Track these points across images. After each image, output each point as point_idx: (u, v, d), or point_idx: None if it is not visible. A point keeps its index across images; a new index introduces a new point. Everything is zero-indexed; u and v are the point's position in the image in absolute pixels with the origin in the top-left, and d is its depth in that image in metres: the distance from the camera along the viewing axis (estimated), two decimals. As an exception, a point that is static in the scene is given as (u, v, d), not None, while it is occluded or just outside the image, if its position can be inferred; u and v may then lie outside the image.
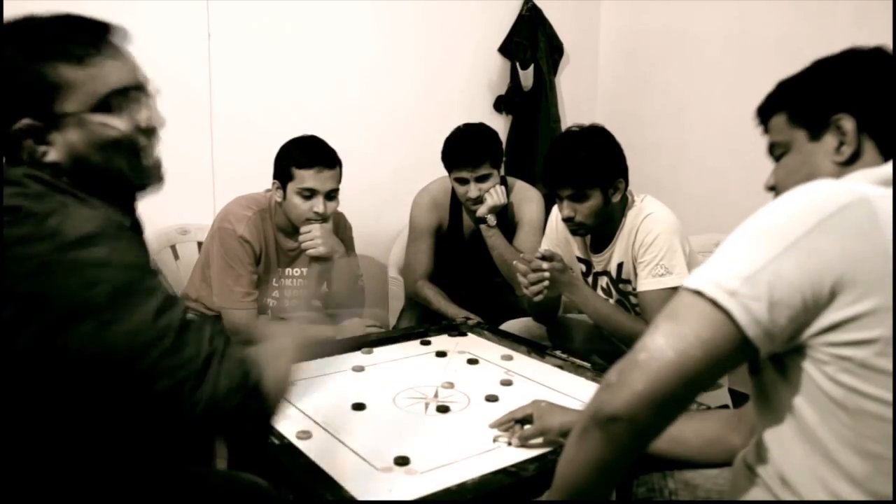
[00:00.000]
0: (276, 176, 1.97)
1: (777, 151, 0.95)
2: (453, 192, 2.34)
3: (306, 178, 1.90)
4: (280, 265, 2.05)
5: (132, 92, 0.90)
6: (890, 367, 0.71)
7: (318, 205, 1.92)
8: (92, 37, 0.87)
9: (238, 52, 2.48)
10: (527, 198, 2.38)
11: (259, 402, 0.86)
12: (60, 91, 0.84)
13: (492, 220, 2.24)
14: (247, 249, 1.94)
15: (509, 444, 1.25)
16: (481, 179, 2.22)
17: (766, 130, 0.97)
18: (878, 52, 0.89)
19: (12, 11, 0.88)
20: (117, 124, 0.88)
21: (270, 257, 2.02)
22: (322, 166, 1.91)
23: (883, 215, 0.73)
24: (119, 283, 0.79)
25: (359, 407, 1.41)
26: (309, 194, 1.92)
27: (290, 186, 1.93)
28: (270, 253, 2.02)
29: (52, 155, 0.86)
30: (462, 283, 2.42)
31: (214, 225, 2.00)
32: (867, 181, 0.79)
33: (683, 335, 0.73)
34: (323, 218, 1.96)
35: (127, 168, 0.91)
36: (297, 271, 2.08)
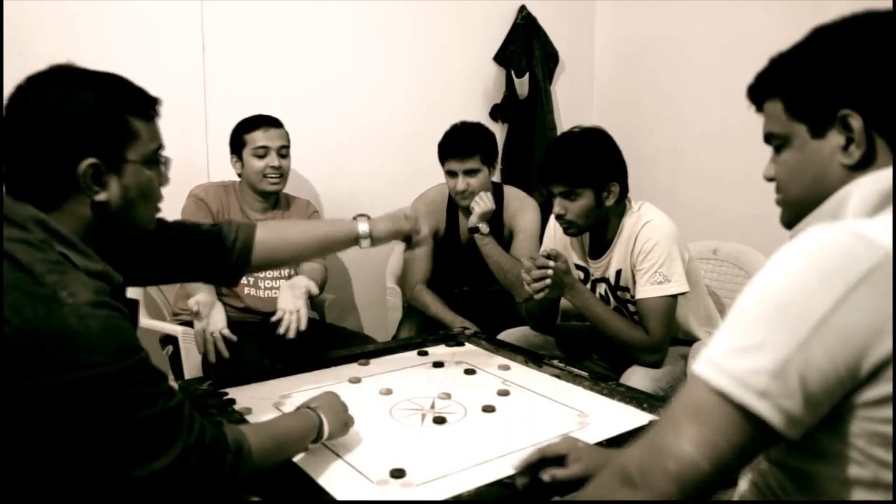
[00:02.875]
0: (232, 151, 2.17)
1: (775, 142, 0.85)
2: (450, 198, 2.33)
3: (257, 138, 2.13)
4: None
5: (162, 153, 1.02)
6: None
7: (273, 159, 2.13)
8: (150, 100, 0.99)
9: (233, 64, 2.48)
10: (523, 206, 2.37)
11: (230, 481, 0.95)
12: (131, 140, 0.94)
13: (484, 228, 2.23)
14: (200, 206, 2.05)
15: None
16: (470, 173, 2.22)
17: (759, 110, 0.86)
18: (890, 19, 0.74)
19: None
20: (155, 177, 0.99)
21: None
22: (268, 126, 2.15)
23: None
24: (114, 369, 0.82)
25: (354, 419, 1.39)
26: (263, 152, 2.13)
27: (245, 152, 2.13)
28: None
29: (104, 195, 0.92)
30: (459, 289, 2.42)
31: None
32: (875, 200, 0.72)
33: (715, 444, 0.67)
34: (279, 172, 2.13)
35: (145, 216, 1.01)
36: None
